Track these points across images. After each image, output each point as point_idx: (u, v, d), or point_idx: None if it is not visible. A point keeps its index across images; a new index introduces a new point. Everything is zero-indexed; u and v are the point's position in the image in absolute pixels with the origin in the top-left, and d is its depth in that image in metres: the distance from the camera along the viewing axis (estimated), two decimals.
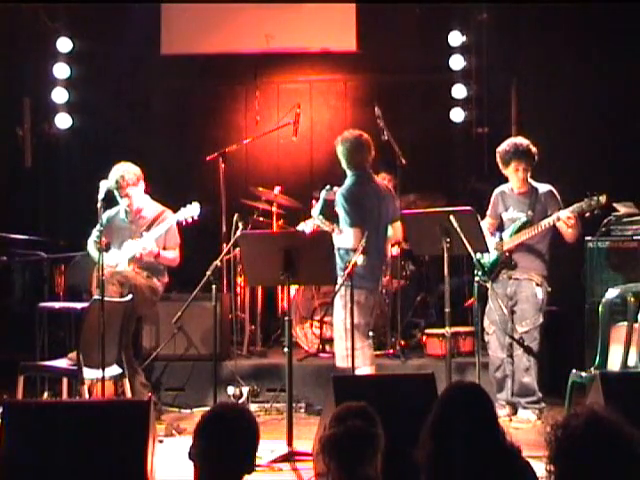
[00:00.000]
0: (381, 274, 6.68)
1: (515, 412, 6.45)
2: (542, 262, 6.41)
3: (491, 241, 6.32)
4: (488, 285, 6.09)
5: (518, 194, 6.48)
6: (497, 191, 6.61)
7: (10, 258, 7.84)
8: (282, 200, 8.03)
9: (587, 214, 6.07)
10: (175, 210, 6.64)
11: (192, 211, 6.57)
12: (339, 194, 6.35)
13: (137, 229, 6.64)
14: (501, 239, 6.45)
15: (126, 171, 6.53)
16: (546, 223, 6.21)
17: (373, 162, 6.46)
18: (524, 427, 6.22)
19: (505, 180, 6.54)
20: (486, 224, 6.46)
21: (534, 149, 6.39)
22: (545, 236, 6.37)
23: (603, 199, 5.99)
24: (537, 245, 6.38)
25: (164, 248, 6.62)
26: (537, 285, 6.37)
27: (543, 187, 6.45)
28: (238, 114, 9.39)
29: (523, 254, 6.37)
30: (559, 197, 6.37)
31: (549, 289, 6.44)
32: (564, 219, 6.12)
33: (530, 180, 6.48)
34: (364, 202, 6.35)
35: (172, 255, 6.67)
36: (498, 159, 6.45)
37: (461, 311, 6.81)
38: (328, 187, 6.55)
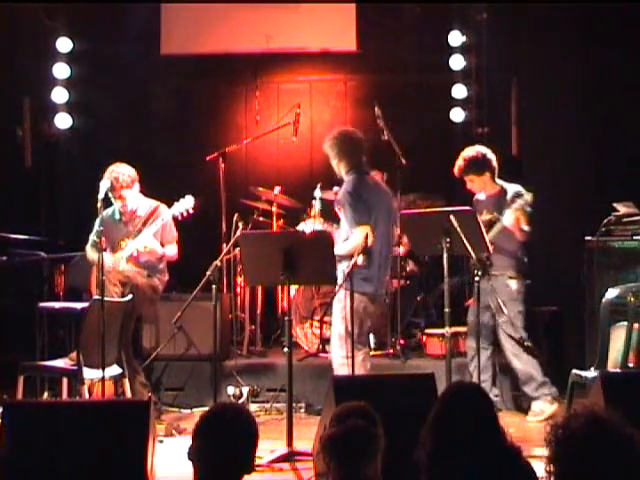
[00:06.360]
0: (386, 277, 6.33)
1: (529, 406, 6.49)
2: (515, 261, 6.47)
3: None
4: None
5: (487, 197, 6.58)
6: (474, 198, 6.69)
7: (10, 258, 7.82)
8: (282, 200, 8.04)
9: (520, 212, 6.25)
10: (171, 207, 6.63)
11: (186, 204, 6.55)
12: (346, 193, 6.05)
13: (133, 229, 6.62)
14: None
15: (120, 173, 6.44)
16: (501, 224, 6.29)
17: (369, 161, 6.38)
18: (536, 420, 6.29)
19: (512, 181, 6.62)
20: None
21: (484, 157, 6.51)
22: (512, 237, 6.37)
23: (529, 197, 6.23)
24: (506, 245, 6.38)
25: (162, 244, 6.61)
26: (510, 278, 6.43)
27: (512, 188, 6.47)
28: (238, 114, 9.39)
29: (496, 255, 6.27)
30: (525, 197, 6.32)
31: (528, 281, 6.53)
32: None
33: (500, 182, 6.56)
34: (373, 200, 6.08)
35: (172, 251, 6.67)
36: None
37: (461, 311, 6.79)
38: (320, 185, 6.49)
